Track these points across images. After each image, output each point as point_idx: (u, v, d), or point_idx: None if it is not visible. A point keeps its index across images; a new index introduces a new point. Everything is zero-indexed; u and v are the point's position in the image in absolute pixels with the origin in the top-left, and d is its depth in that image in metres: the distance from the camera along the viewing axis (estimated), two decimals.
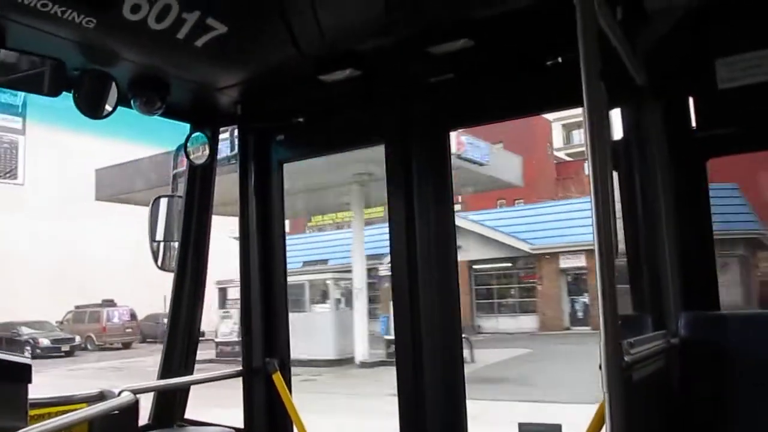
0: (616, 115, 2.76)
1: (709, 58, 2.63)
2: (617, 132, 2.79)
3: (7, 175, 32.76)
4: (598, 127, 1.76)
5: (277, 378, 3.57)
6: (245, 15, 2.84)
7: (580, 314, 29.37)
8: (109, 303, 35.09)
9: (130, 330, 35.20)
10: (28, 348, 28.97)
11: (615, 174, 2.76)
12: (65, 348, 30.94)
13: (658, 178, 2.72)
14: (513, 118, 3.42)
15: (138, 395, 2.99)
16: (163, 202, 3.81)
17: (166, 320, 3.74)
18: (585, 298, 28.89)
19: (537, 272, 31.21)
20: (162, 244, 3.79)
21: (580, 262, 28.15)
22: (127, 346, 33.88)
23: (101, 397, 2.92)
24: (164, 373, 3.59)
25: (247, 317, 3.71)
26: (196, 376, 3.71)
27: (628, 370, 1.79)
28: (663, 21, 2.62)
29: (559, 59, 2.82)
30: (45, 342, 30.47)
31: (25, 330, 30.99)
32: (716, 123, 2.67)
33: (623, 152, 2.80)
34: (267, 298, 3.68)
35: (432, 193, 3.20)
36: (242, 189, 3.75)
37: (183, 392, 3.66)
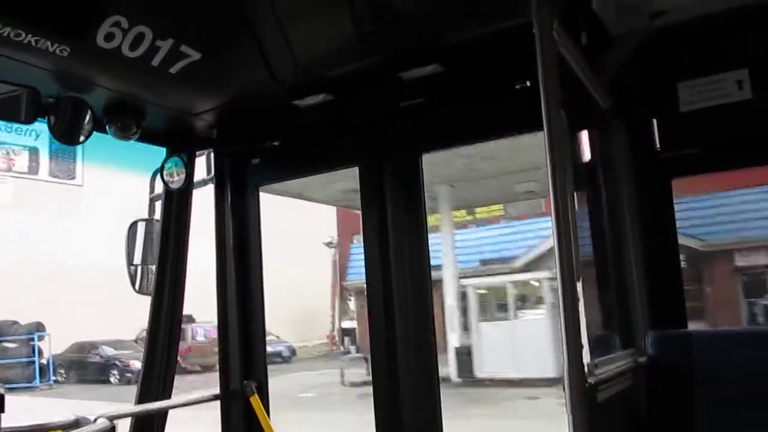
0: (584, 137, 2.83)
1: (671, 81, 2.71)
2: (585, 153, 2.85)
3: (67, 175, 32.08)
4: (558, 152, 1.81)
5: (255, 401, 3.57)
6: (218, 42, 2.89)
7: (760, 318, 25.01)
8: (188, 319, 29.85)
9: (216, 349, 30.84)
10: (115, 372, 26.92)
11: (583, 194, 2.82)
12: None
13: (625, 199, 2.78)
14: (484, 140, 3.48)
15: (115, 421, 2.99)
16: (141, 225, 3.82)
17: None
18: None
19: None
20: (140, 268, 3.80)
21: (761, 259, 24.44)
22: (207, 368, 28.14)
23: (76, 424, 2.91)
24: (142, 397, 3.57)
25: (224, 340, 3.72)
26: (173, 400, 3.70)
27: (592, 390, 1.83)
28: (626, 45, 2.70)
29: (527, 83, 2.87)
30: (138, 365, 24.13)
31: (108, 351, 28.01)
32: (679, 144, 2.74)
33: (590, 173, 2.85)
34: (244, 320, 3.69)
35: (405, 215, 3.24)
36: (218, 212, 3.78)
37: (161, 417, 3.64)
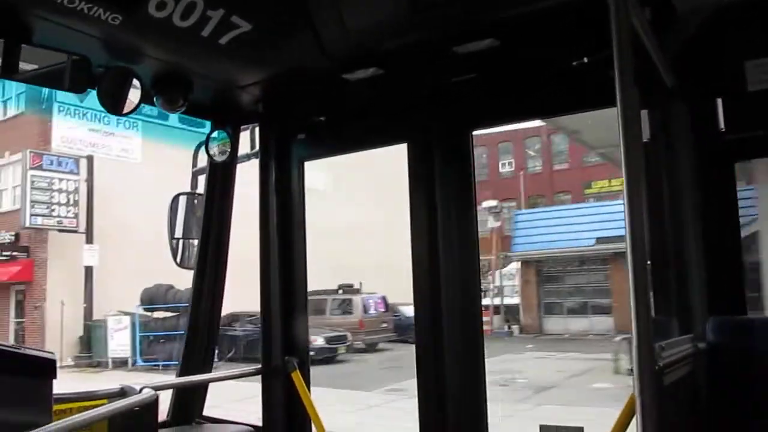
0: (644, 116, 2.74)
1: (738, 59, 2.60)
2: (645, 133, 2.77)
3: None
4: (632, 129, 1.74)
5: (296, 377, 3.57)
6: (270, 13, 2.84)
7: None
8: (349, 289, 26.82)
9: (385, 325, 26.81)
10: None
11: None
12: (341, 350, 23.33)
13: (686, 181, 2.69)
14: (535, 118, 3.42)
15: (158, 392, 3.00)
16: (183, 199, 3.82)
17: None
18: None
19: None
20: (181, 242, 3.80)
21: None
22: (372, 347, 25.73)
23: (122, 393, 2.93)
24: (183, 370, 3.60)
25: (266, 315, 3.71)
26: (215, 373, 3.72)
27: (660, 373, 1.77)
28: (692, 22, 2.60)
29: (585, 60, 2.79)
30: (319, 341, 21.88)
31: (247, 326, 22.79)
32: (745, 125, 2.64)
33: (651, 154, 2.77)
34: (287, 296, 3.68)
35: (454, 193, 3.19)
36: (262, 187, 3.76)
37: (202, 389, 3.67)
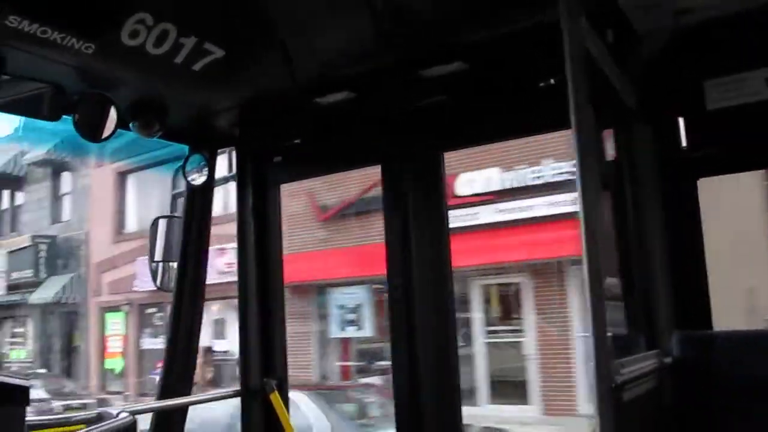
0: (608, 136, 2.80)
1: (697, 79, 2.68)
2: (609, 152, 2.83)
3: None
4: (586, 150, 1.79)
5: (275, 398, 3.58)
6: (241, 39, 2.90)
7: None
8: None
9: None
10: None
11: (606, 193, 2.80)
12: None
13: (650, 198, 2.75)
14: (505, 139, 3.47)
15: (136, 416, 3.00)
16: (162, 222, 3.84)
17: None
18: None
19: None
20: (161, 265, 3.82)
21: None
22: None
23: (99, 418, 2.93)
24: (162, 393, 3.59)
25: (244, 337, 3.73)
26: (194, 396, 3.72)
27: (619, 390, 1.81)
28: (652, 43, 2.67)
29: (552, 81, 2.85)
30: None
31: None
32: (706, 143, 2.71)
33: (615, 172, 2.83)
34: (264, 317, 3.70)
35: (427, 214, 3.23)
36: (240, 209, 3.79)
37: (181, 412, 3.66)
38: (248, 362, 3.68)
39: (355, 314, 19.33)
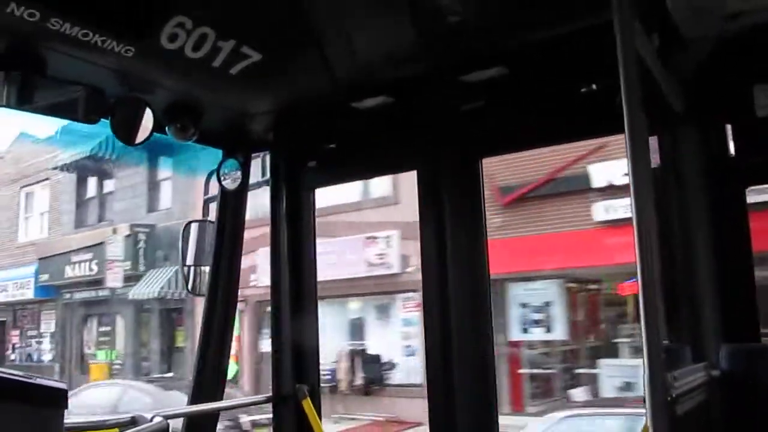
0: (653, 142, 2.74)
1: (747, 84, 2.61)
2: (654, 159, 2.77)
3: None
4: (640, 155, 1.74)
5: (307, 405, 3.55)
6: (280, 43, 2.88)
7: None
8: None
9: None
10: None
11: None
12: None
13: (696, 206, 2.69)
14: (544, 146, 3.42)
15: (169, 420, 2.99)
16: (194, 227, 3.84)
17: None
18: None
19: None
20: (193, 269, 3.82)
21: None
22: None
23: (133, 422, 2.92)
24: (194, 398, 3.59)
25: (277, 342, 3.71)
26: (226, 402, 3.71)
27: (673, 403, 1.75)
28: (700, 48, 2.60)
29: (594, 86, 2.81)
30: None
31: None
32: (755, 150, 2.63)
33: (660, 180, 2.76)
34: (297, 323, 3.67)
35: (464, 222, 3.19)
36: (273, 214, 3.78)
37: (212, 417, 3.65)
38: (280, 368, 3.66)
39: (542, 313, 16.67)
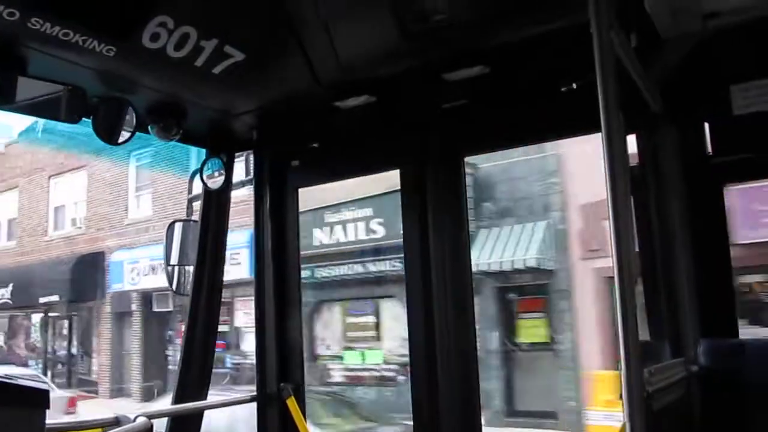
0: (631, 141, 2.77)
1: (724, 84, 2.64)
2: (633, 158, 2.80)
3: None
4: (616, 154, 1.76)
5: (291, 403, 3.55)
6: (262, 43, 2.88)
7: None
8: None
9: None
10: None
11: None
12: None
13: (675, 204, 2.72)
14: (527, 144, 3.44)
15: (153, 420, 2.99)
16: (178, 226, 3.84)
17: None
18: None
19: None
20: (177, 268, 3.82)
21: None
22: None
23: (116, 422, 2.92)
24: (178, 397, 3.58)
25: (261, 341, 3.71)
26: (210, 401, 3.70)
27: (649, 399, 1.78)
28: (677, 48, 2.63)
29: (574, 85, 2.83)
30: None
31: None
32: (732, 149, 2.67)
33: (639, 178, 2.80)
34: (281, 322, 3.68)
35: (447, 219, 3.21)
36: (257, 213, 3.78)
37: (197, 417, 3.65)
38: (264, 366, 3.66)
39: None
